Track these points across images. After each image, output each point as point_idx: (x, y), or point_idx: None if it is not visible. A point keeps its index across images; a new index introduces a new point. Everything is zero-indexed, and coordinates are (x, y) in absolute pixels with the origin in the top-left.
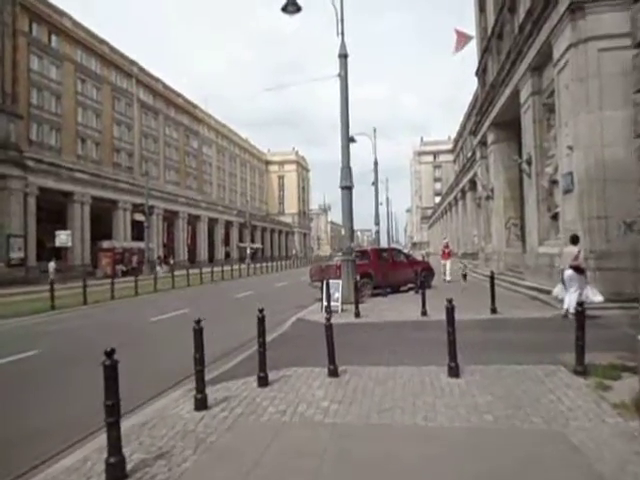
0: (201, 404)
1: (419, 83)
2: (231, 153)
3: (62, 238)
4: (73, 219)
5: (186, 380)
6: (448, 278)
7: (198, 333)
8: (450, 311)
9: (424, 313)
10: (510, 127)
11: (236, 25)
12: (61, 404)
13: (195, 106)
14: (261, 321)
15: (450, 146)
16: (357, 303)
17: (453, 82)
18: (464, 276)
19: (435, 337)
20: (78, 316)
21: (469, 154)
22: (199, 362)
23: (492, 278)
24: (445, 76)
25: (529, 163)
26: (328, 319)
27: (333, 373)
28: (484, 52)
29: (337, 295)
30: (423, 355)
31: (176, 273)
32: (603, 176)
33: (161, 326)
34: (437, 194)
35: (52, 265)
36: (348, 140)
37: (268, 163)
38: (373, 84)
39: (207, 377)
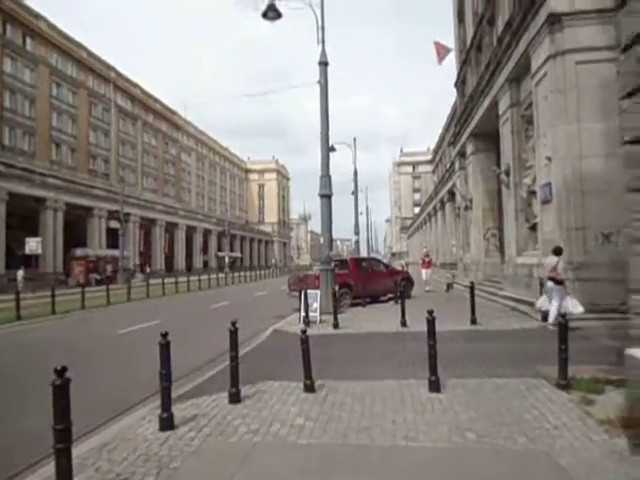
0: (167, 424)
1: (400, 95)
2: (210, 161)
3: (32, 245)
4: (45, 226)
5: (153, 397)
6: (427, 288)
7: (164, 347)
8: (431, 323)
9: (404, 324)
10: (489, 138)
11: (218, 34)
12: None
13: (174, 112)
14: (233, 334)
15: (429, 157)
16: (336, 313)
17: (433, 94)
18: (449, 286)
19: (415, 349)
20: (44, 327)
21: (448, 165)
22: (165, 378)
23: (472, 289)
24: (425, 88)
25: (507, 174)
26: (304, 331)
27: (309, 388)
28: (463, 64)
29: (315, 305)
30: (403, 368)
31: (152, 282)
32: (581, 187)
33: (129, 338)
34: (416, 204)
35: (20, 273)
36: (328, 148)
37: (248, 171)
38: (354, 96)
39: (176, 393)
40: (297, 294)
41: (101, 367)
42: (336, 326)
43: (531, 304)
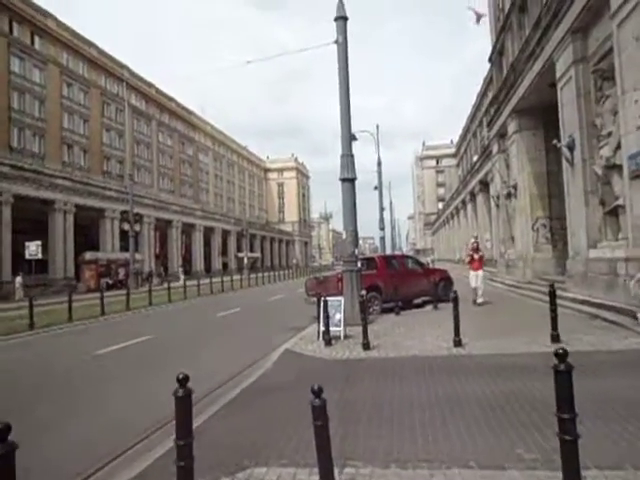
0: None
1: (419, 92)
2: (228, 160)
3: (32, 249)
4: (55, 229)
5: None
6: (480, 300)
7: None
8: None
9: (458, 343)
10: (536, 113)
11: (239, 35)
12: None
13: (190, 112)
14: (182, 401)
15: (453, 150)
16: (365, 328)
17: (453, 89)
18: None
19: (488, 391)
20: (8, 347)
21: (475, 157)
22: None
23: (552, 293)
24: (444, 83)
25: (571, 148)
26: (318, 393)
27: None
28: (500, 32)
29: (338, 317)
30: (478, 432)
31: (165, 286)
32: None
33: (104, 362)
34: (440, 199)
35: (18, 280)
36: (349, 121)
37: (267, 170)
38: (373, 94)
39: None
40: (315, 300)
41: (64, 408)
42: (366, 346)
43: (619, 311)
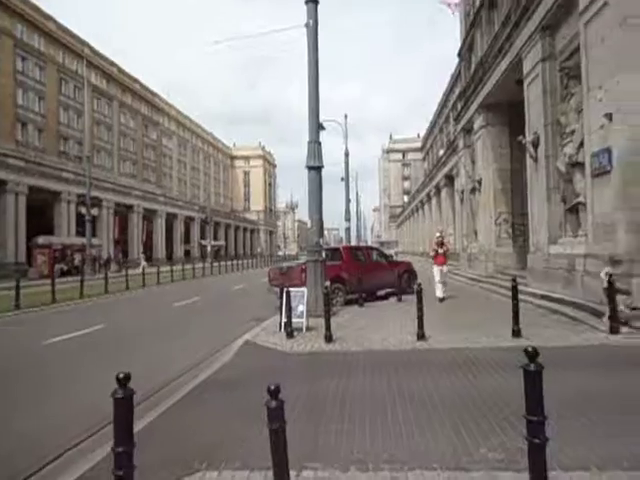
0: None
1: (389, 85)
2: (194, 146)
3: None
4: (5, 211)
5: None
6: (441, 294)
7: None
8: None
9: (421, 336)
10: (502, 109)
11: (210, 22)
12: None
13: (154, 94)
14: (124, 403)
15: (419, 144)
16: (328, 319)
17: (423, 83)
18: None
19: (453, 387)
20: None
21: (440, 152)
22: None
23: (515, 288)
24: (415, 78)
25: (535, 145)
26: (275, 393)
27: None
28: (470, 27)
29: (301, 308)
30: (441, 431)
31: (123, 273)
32: None
33: (55, 352)
34: (406, 193)
35: None
36: (317, 107)
37: (233, 158)
38: (342, 85)
39: None
40: (278, 291)
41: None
42: (329, 338)
43: (578, 306)
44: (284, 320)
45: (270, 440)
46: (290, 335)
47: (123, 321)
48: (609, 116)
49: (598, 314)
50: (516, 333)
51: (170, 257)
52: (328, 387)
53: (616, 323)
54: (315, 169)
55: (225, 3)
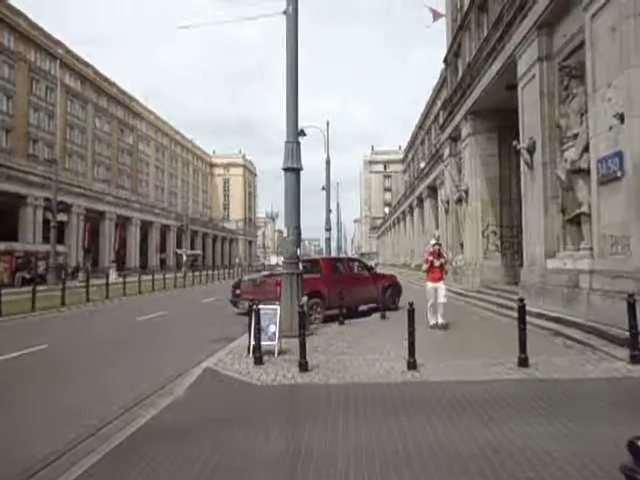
0: None
1: (372, 98)
2: (172, 152)
3: None
4: None
5: None
6: (441, 320)
7: None
8: None
9: (412, 365)
10: (491, 116)
11: (191, 33)
12: None
13: (132, 98)
14: None
15: (401, 156)
16: (303, 344)
17: (406, 97)
18: None
19: (454, 438)
20: None
21: (422, 164)
22: None
23: (522, 309)
24: (397, 91)
25: (531, 151)
26: None
27: None
28: (458, 32)
29: (273, 329)
30: None
31: (90, 283)
32: None
33: None
34: (387, 204)
35: None
36: (296, 103)
37: (213, 165)
38: (324, 97)
39: None
40: (245, 306)
41: None
42: (303, 367)
43: (581, 327)
44: (252, 343)
45: None
46: (259, 361)
47: (72, 340)
48: (620, 116)
49: (608, 338)
50: (522, 362)
51: (144, 266)
52: (297, 439)
53: (637, 351)
54: (293, 171)
55: (212, 7)
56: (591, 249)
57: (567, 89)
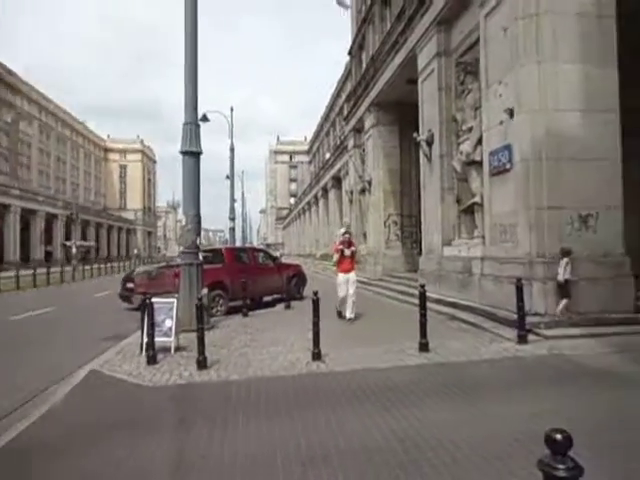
0: None
1: (279, 89)
2: (59, 134)
3: None
4: None
5: None
6: (350, 314)
7: None
8: None
9: (317, 355)
10: (393, 108)
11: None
12: None
13: (11, 72)
14: None
15: (306, 147)
16: (202, 339)
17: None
18: None
19: (368, 431)
20: None
21: (327, 155)
22: None
23: (423, 295)
24: (305, 83)
25: (429, 143)
26: None
27: None
28: (362, 24)
29: (169, 324)
30: None
31: None
32: (557, 151)
33: None
34: (292, 195)
35: None
36: (195, 80)
37: (107, 150)
38: (232, 88)
39: None
40: (135, 301)
41: None
42: (202, 364)
43: (474, 310)
44: (145, 340)
45: None
46: (152, 360)
47: None
48: (510, 112)
49: (498, 320)
50: (423, 347)
51: (26, 260)
52: (193, 446)
53: (524, 332)
54: (192, 155)
55: None
56: (483, 237)
57: (463, 84)
